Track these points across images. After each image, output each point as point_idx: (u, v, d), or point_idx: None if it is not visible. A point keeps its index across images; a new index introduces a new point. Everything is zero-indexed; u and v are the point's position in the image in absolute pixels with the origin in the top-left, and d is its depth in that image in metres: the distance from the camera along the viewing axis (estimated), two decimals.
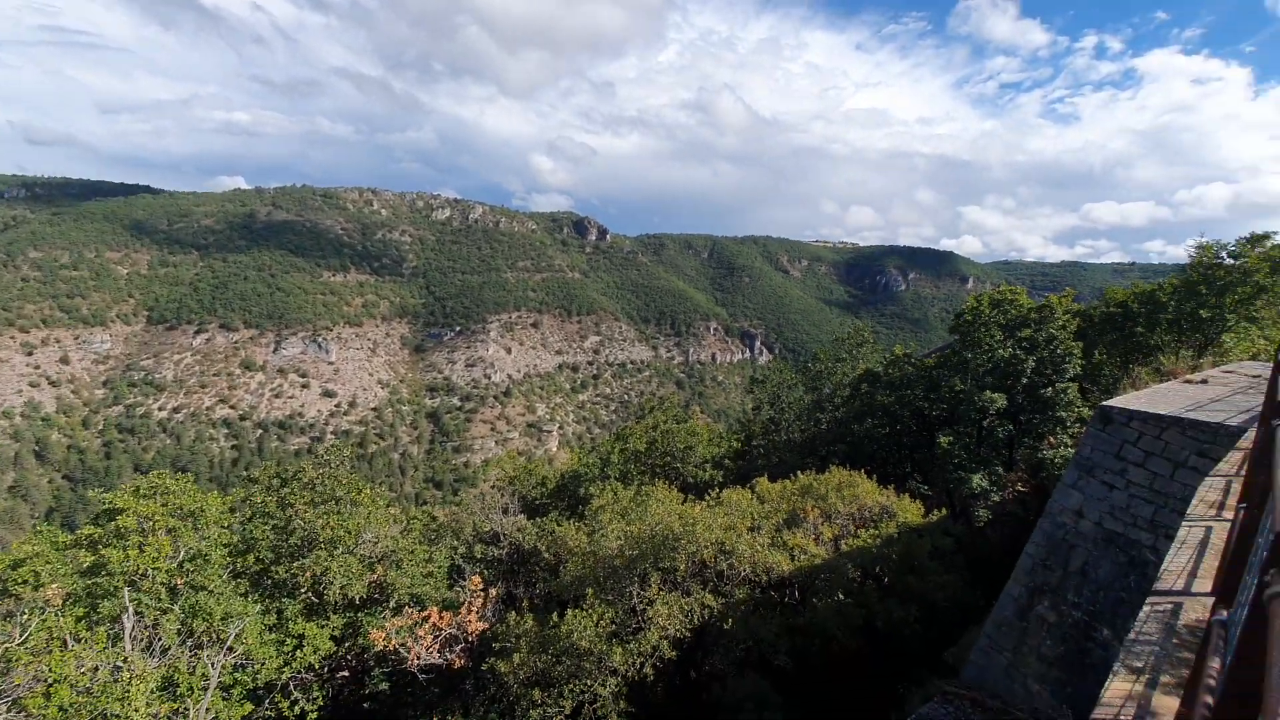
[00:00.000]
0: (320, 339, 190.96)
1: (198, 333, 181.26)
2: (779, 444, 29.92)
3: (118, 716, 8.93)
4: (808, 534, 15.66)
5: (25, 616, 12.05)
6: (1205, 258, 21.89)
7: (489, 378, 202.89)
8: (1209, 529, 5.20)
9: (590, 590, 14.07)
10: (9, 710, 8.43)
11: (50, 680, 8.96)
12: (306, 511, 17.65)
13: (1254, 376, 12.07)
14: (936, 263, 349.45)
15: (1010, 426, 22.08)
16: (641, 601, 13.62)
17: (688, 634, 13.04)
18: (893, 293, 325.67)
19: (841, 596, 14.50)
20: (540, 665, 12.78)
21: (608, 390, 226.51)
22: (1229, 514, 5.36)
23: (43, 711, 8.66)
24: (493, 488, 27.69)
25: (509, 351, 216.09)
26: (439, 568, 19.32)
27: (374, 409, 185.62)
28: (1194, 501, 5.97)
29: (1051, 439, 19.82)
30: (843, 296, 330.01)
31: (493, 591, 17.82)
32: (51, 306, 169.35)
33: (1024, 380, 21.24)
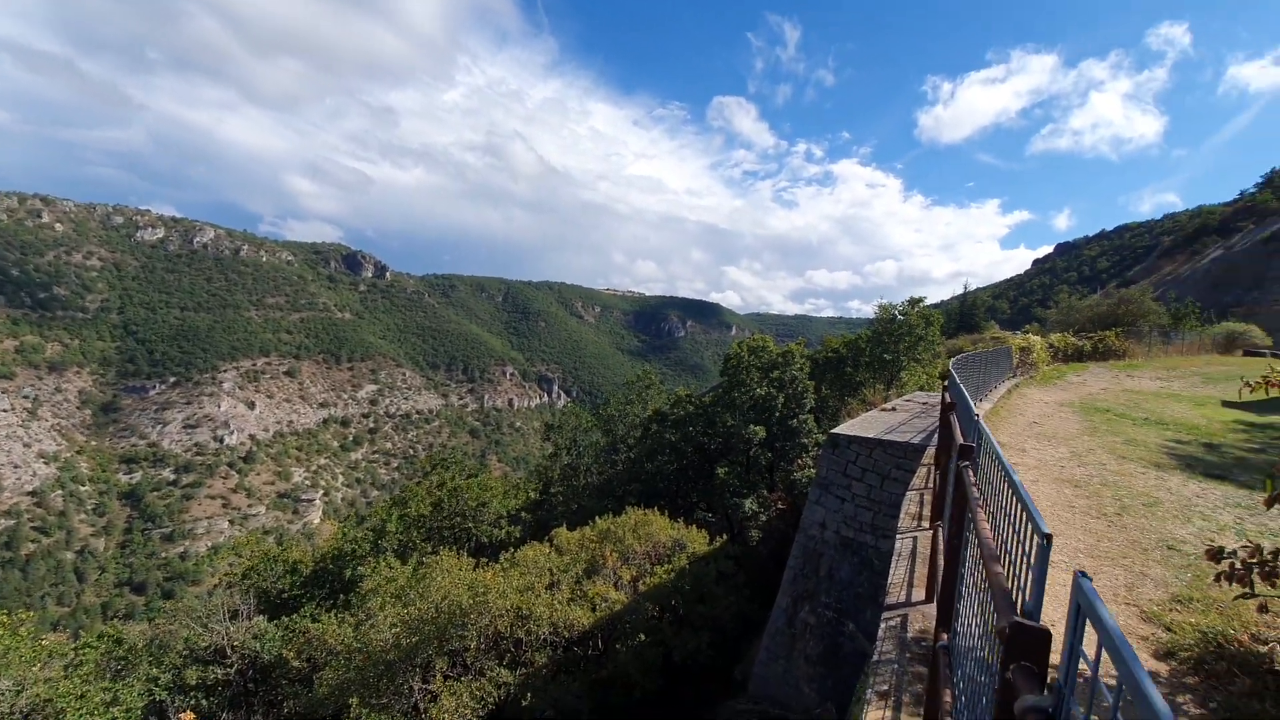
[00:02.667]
0: None
1: None
2: (578, 489, 29.79)
3: None
4: (608, 580, 15.50)
5: None
6: (885, 315, 29.35)
7: (221, 440, 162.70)
8: (915, 539, 6.37)
9: (356, 698, 11.52)
10: None
11: None
12: None
13: (923, 403, 16.02)
14: (708, 313, 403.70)
15: (770, 454, 25.68)
16: (424, 698, 11.62)
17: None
18: (675, 339, 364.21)
19: (643, 637, 14.55)
20: None
21: (388, 445, 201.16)
22: (927, 524, 6.69)
23: None
24: (221, 585, 21.52)
25: (253, 406, 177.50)
26: (128, 712, 13.91)
27: (31, 493, 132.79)
28: (901, 515, 7.38)
29: (800, 461, 23.58)
30: (633, 342, 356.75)
31: None
32: None
33: (777, 413, 25.08)
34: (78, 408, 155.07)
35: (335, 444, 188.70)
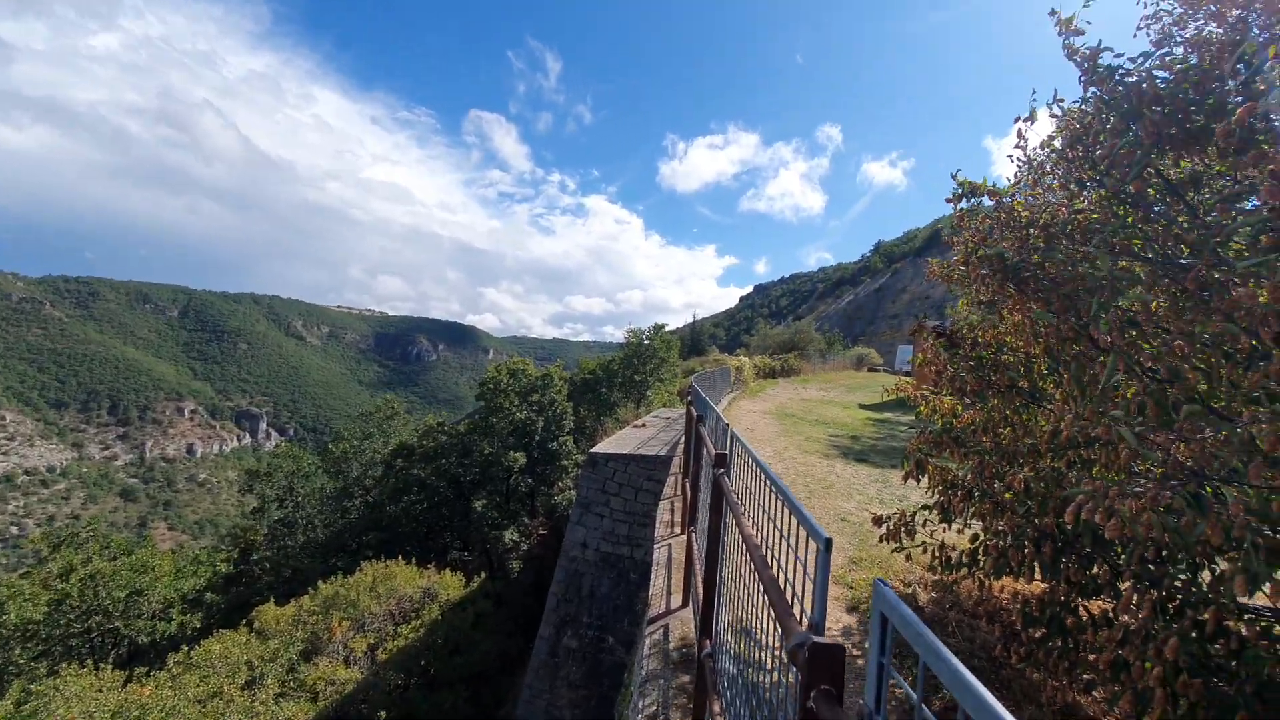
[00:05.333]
0: None
1: None
2: (292, 551, 24.26)
3: None
4: (334, 658, 12.75)
5: None
6: (634, 339, 32.18)
7: None
8: (670, 546, 6.76)
9: None
10: None
11: None
12: None
13: (667, 418, 17.77)
14: (463, 336, 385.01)
15: (530, 480, 25.26)
16: None
17: None
18: (425, 363, 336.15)
19: (384, 715, 12.32)
20: None
21: None
22: (680, 530, 7.18)
23: None
24: None
25: None
26: None
27: None
28: (656, 524, 7.82)
29: (560, 484, 23.77)
30: (373, 368, 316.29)
31: None
32: None
33: (538, 437, 24.89)
34: None
35: None
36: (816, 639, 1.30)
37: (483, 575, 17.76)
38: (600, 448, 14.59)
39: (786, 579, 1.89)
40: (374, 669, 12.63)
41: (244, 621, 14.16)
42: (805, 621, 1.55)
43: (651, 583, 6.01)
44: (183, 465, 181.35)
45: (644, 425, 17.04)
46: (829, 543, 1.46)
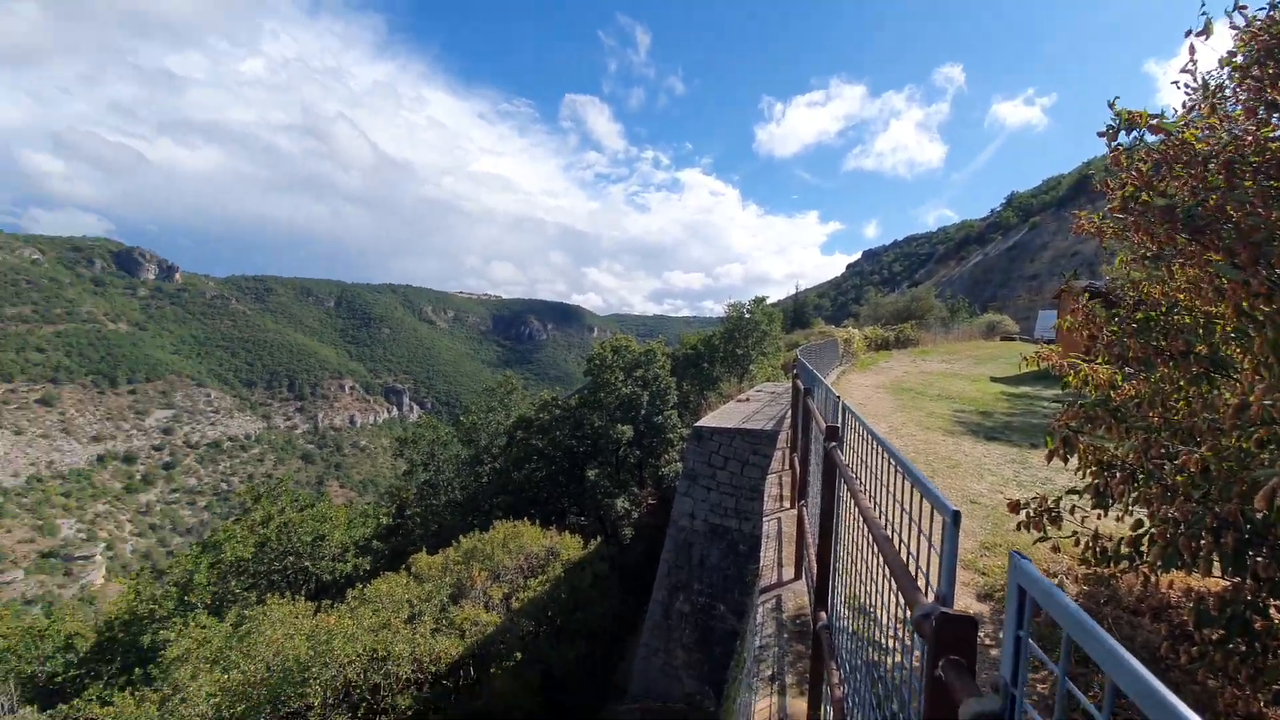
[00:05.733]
0: None
1: None
2: (437, 508, 27.54)
3: None
4: (477, 603, 14.44)
5: None
6: (735, 313, 31.71)
7: None
8: (779, 520, 6.77)
9: None
10: None
11: None
12: None
13: (771, 392, 17.46)
14: (569, 316, 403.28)
15: (638, 452, 26.20)
16: None
17: None
18: (537, 342, 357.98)
19: (519, 656, 13.79)
20: None
21: (193, 481, 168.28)
22: (789, 504, 7.15)
23: None
24: None
25: None
26: None
27: None
28: (765, 498, 7.84)
29: (666, 456, 24.42)
30: (492, 347, 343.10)
31: None
32: None
33: (643, 411, 25.68)
34: None
35: (118, 485, 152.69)
36: (944, 609, 1.33)
37: (598, 540, 18.95)
38: (705, 422, 14.74)
39: (910, 553, 1.89)
40: (509, 615, 14.14)
41: (403, 566, 16.49)
42: (931, 595, 1.57)
43: (762, 554, 6.10)
44: (347, 433, 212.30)
45: (747, 399, 16.88)
46: (957, 515, 1.45)
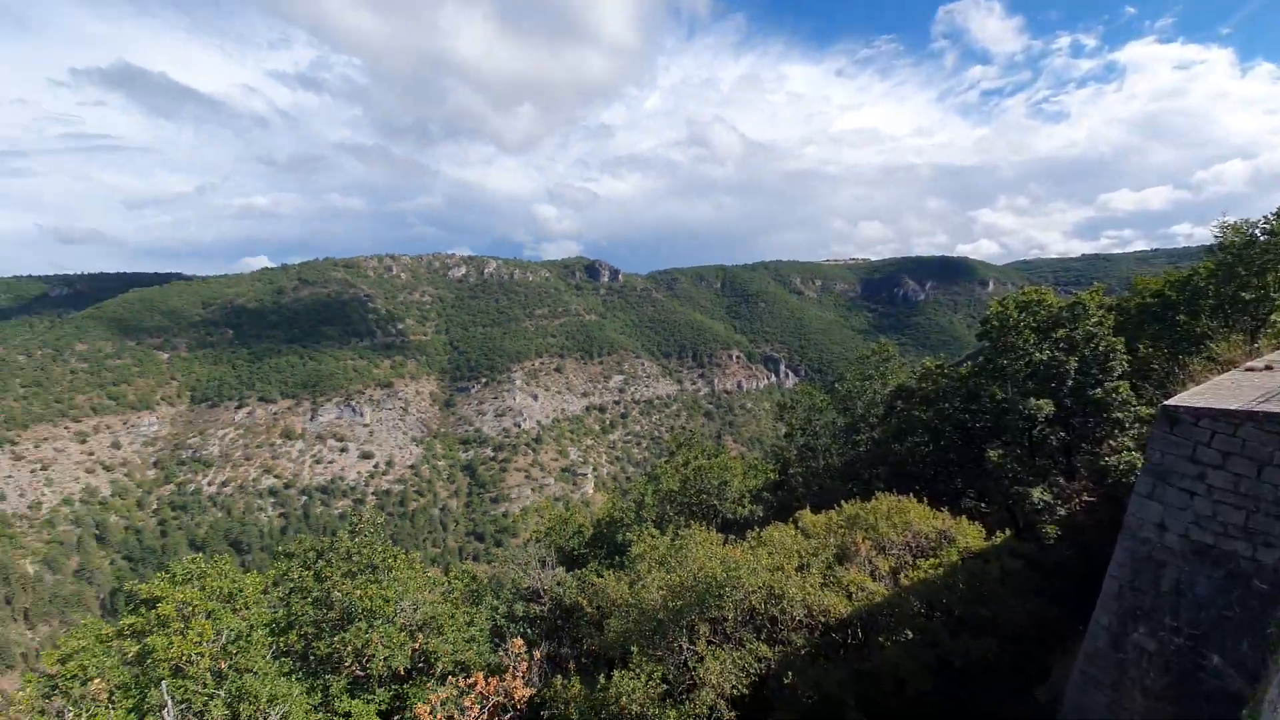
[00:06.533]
0: (354, 403, 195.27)
1: (239, 407, 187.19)
2: (817, 471, 28.87)
3: None
4: (862, 569, 14.76)
5: (73, 715, 11.91)
6: (1236, 237, 20.90)
7: (519, 426, 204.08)
8: None
9: (636, 647, 13.38)
10: None
11: None
12: (344, 583, 17.44)
13: None
14: (952, 271, 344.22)
15: (1063, 433, 20.84)
16: (691, 657, 12.86)
17: (745, 691, 12.19)
18: (913, 304, 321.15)
19: (909, 634, 13.49)
20: None
21: (637, 428, 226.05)
22: None
23: None
24: (530, 540, 27.17)
25: (535, 398, 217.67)
26: (481, 631, 18.74)
27: (411, 467, 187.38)
28: None
29: (1111, 443, 18.59)
30: (862, 314, 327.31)
31: (536, 653, 17.14)
32: (100, 395, 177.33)
33: (1069, 382, 20.16)
34: (430, 405, 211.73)
35: (597, 428, 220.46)
36: None
37: (1006, 532, 16.28)
38: (1185, 399, 10.72)
39: None
40: (896, 589, 13.94)
41: (790, 520, 18.30)
42: None
43: None
44: (736, 396, 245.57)
45: (1267, 368, 11.29)
46: None
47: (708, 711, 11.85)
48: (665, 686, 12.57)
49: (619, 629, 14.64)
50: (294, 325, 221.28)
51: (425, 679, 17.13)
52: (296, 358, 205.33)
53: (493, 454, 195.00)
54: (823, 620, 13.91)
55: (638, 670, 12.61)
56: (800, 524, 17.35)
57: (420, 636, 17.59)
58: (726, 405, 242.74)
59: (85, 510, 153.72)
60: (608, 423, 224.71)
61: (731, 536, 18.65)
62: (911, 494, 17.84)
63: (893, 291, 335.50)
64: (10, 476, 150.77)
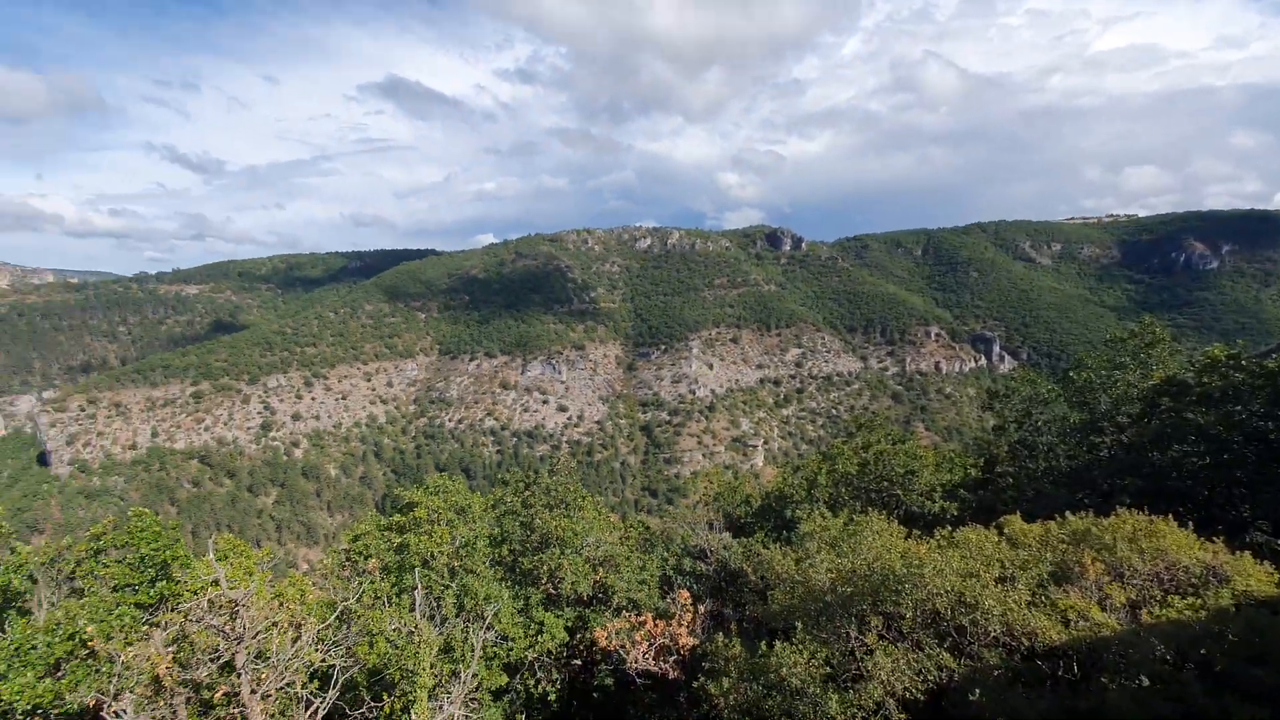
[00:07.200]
0: (554, 362, 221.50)
1: (470, 360, 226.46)
2: (1034, 474, 24.48)
3: (411, 671, 11.36)
4: (1087, 594, 12.41)
5: (357, 581, 16.10)
6: None
7: (694, 393, 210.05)
8: None
9: (800, 624, 13.33)
10: (344, 657, 11.25)
11: (372, 633, 11.82)
12: (543, 513, 20.45)
13: None
14: (1266, 230, 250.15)
15: None
16: (859, 647, 12.37)
17: (920, 697, 11.37)
18: (1199, 274, 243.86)
19: (1145, 681, 11.09)
20: (750, 695, 12.48)
21: (813, 405, 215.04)
22: None
23: (366, 656, 11.46)
24: (699, 502, 28.36)
25: (711, 367, 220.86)
26: (651, 576, 20.44)
27: (597, 422, 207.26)
28: None
29: None
30: (1119, 285, 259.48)
31: (701, 608, 18.13)
32: (380, 345, 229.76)
33: None
34: (615, 367, 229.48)
35: (770, 400, 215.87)
36: None
37: None
38: None
39: None
40: (1133, 626, 11.48)
41: (993, 524, 16.05)
42: None
43: None
44: (932, 379, 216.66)
45: None
46: None
47: (874, 706, 11.38)
48: (829, 669, 12.36)
49: (783, 602, 14.69)
50: (510, 292, 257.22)
51: (603, 608, 19.40)
52: (512, 320, 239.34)
53: (668, 418, 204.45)
54: (1026, 643, 12.15)
55: (800, 646, 12.59)
56: (1006, 531, 15.12)
57: (600, 571, 19.85)
58: (919, 388, 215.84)
59: (368, 431, 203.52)
60: (782, 396, 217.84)
61: (916, 532, 17.11)
62: (1170, 515, 14.23)
63: (1169, 257, 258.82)
64: (323, 402, 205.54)
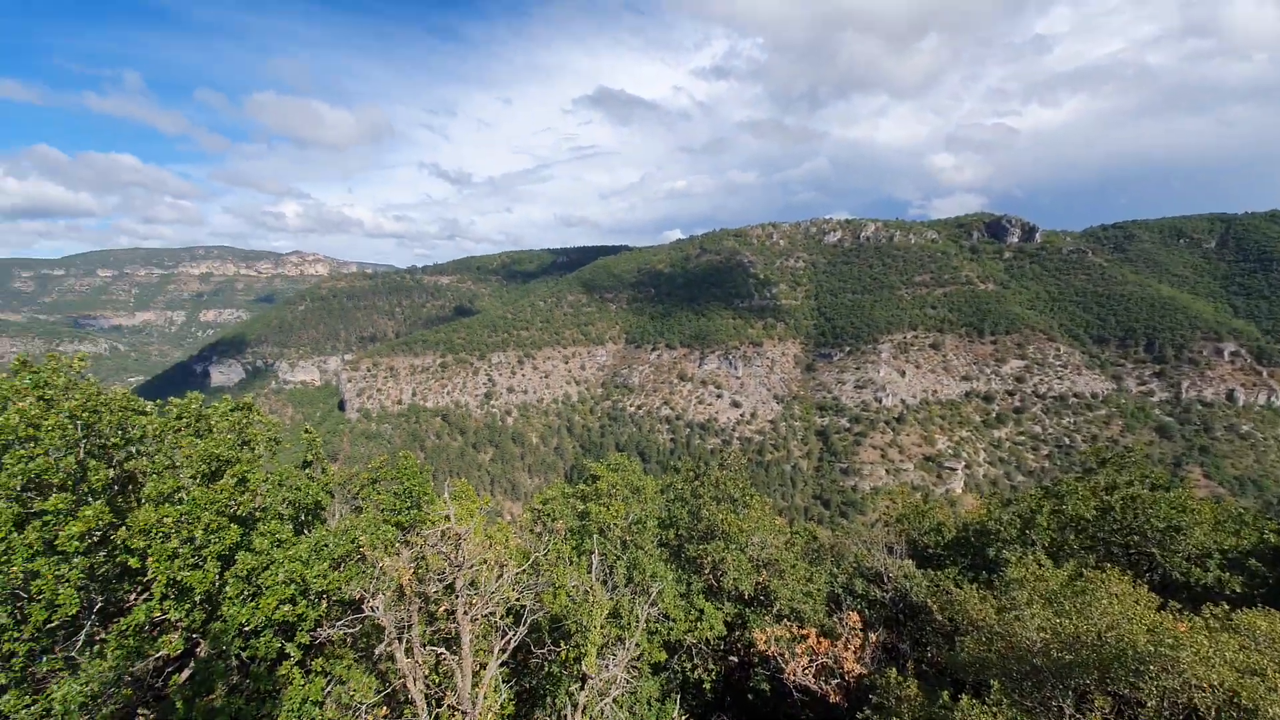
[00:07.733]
0: (730, 357, 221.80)
1: (652, 350, 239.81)
2: None
3: (585, 626, 12.72)
4: None
5: (547, 538, 18.33)
6: None
7: (880, 401, 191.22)
8: None
9: (996, 683, 11.54)
10: (533, 600, 13.04)
11: (557, 585, 13.49)
12: (711, 505, 20.93)
13: None
14: None
15: None
16: None
17: None
18: None
19: None
20: None
21: (1037, 429, 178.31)
22: None
23: (551, 604, 13.13)
24: (879, 521, 26.02)
25: (903, 374, 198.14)
26: (818, 590, 19.52)
27: (770, 421, 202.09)
28: None
29: None
30: None
31: (873, 636, 16.78)
32: (577, 332, 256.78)
33: None
34: (792, 367, 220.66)
35: (977, 418, 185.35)
36: None
37: None
38: None
39: None
40: None
41: None
42: None
43: None
44: (1221, 412, 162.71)
45: None
46: None
47: None
48: None
49: (975, 653, 12.88)
50: (692, 286, 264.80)
51: (763, 611, 19.17)
52: (691, 314, 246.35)
53: (848, 425, 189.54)
54: None
55: (994, 709, 10.94)
56: None
57: (764, 573, 19.61)
58: (1201, 421, 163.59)
59: (563, 408, 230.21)
60: (994, 415, 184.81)
61: (1174, 604, 13.48)
62: None
63: None
64: (530, 379, 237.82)
